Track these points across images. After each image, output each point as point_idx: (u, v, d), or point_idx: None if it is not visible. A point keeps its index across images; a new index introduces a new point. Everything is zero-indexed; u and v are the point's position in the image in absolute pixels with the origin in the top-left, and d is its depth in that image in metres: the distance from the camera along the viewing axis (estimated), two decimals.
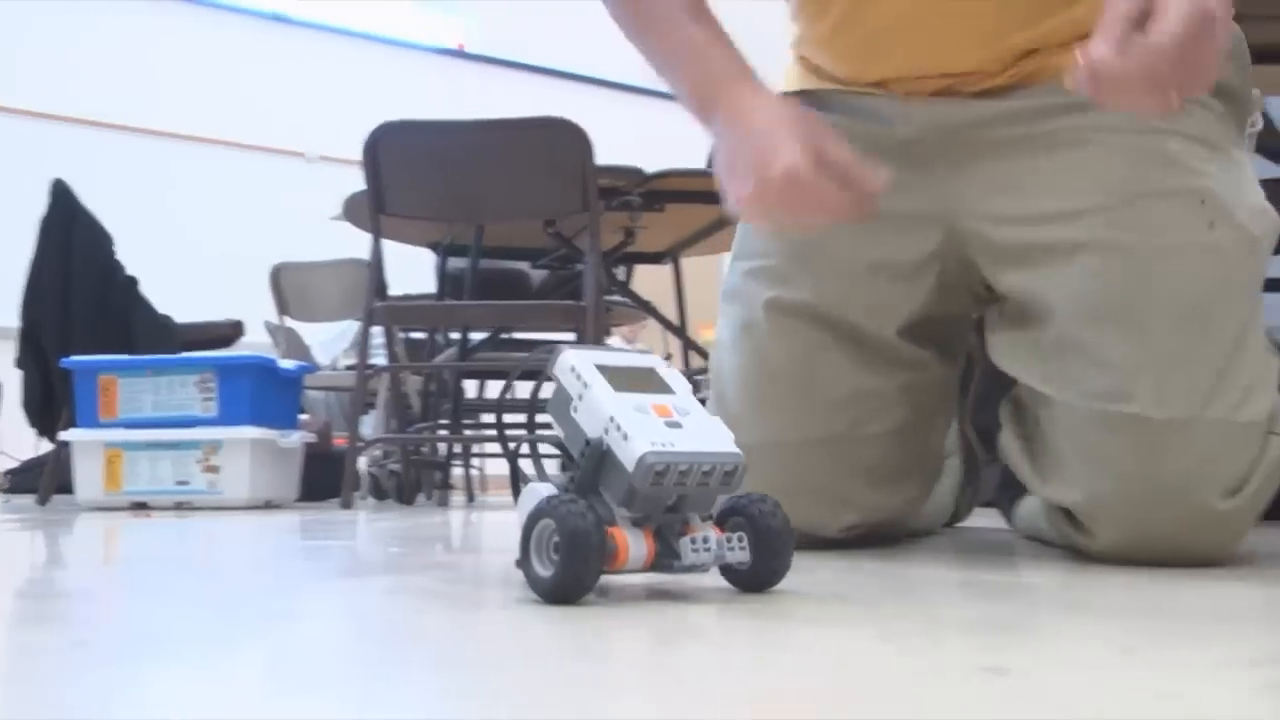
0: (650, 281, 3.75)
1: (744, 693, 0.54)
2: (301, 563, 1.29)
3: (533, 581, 0.84)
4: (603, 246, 2.96)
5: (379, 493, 3.58)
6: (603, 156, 2.78)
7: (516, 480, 0.95)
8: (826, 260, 1.28)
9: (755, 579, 0.91)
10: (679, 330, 3.47)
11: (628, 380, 0.90)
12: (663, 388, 0.92)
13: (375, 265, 2.89)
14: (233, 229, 6.55)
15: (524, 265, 3.81)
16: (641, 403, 0.88)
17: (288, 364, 3.07)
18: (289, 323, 4.51)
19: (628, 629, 0.75)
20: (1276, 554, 1.28)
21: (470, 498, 3.81)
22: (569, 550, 0.81)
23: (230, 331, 3.69)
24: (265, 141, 6.93)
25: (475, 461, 4.39)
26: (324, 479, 3.15)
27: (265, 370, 2.93)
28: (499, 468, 4.84)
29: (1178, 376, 1.10)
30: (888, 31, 1.26)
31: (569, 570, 0.82)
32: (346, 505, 2.78)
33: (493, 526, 2.09)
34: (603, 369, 0.90)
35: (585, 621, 0.77)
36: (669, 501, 0.86)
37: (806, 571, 1.06)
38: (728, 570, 0.91)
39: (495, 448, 4.59)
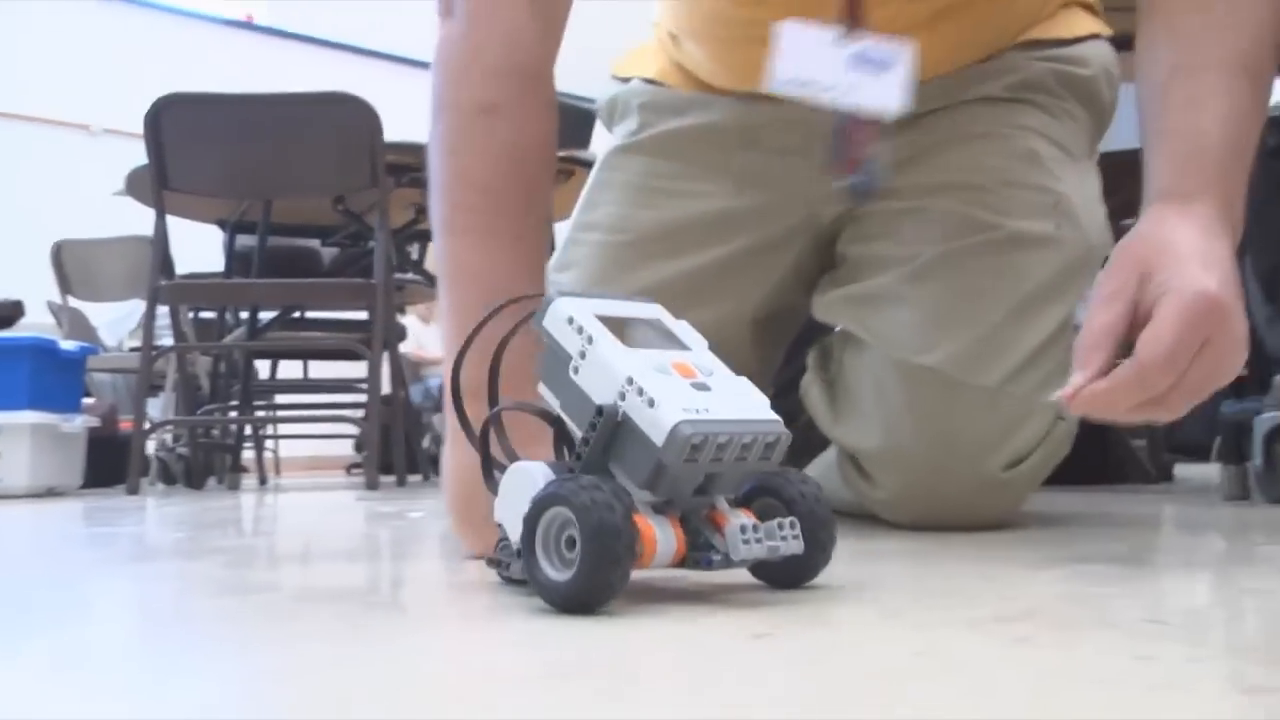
0: None
1: None
2: (85, 551, 1.26)
3: (541, 586, 0.69)
4: (393, 224, 2.94)
5: (168, 477, 3.49)
6: (393, 132, 2.75)
7: (489, 461, 0.80)
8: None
9: (790, 573, 0.77)
10: None
11: (635, 333, 0.75)
12: (675, 342, 0.77)
13: (159, 242, 2.82)
14: (14, 205, 6.28)
15: (314, 243, 3.76)
16: (660, 360, 0.73)
17: (69, 345, 2.97)
18: (74, 303, 4.35)
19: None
20: (1048, 516, 1.34)
21: (263, 480, 3.74)
22: (595, 548, 0.66)
23: (9, 312, 3.54)
24: (48, 113, 6.66)
25: (268, 443, 4.31)
26: (110, 464, 3.06)
27: (44, 352, 2.83)
28: (293, 449, 4.76)
29: (993, 349, 1.15)
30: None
31: (596, 572, 0.66)
32: (133, 491, 2.71)
33: (288, 509, 2.06)
34: (605, 320, 0.74)
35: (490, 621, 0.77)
36: (698, 481, 0.71)
37: None
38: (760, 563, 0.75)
39: (289, 428, 4.52)
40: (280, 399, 4.49)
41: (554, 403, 0.75)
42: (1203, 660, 0.55)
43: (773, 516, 0.74)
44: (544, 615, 0.69)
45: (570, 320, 0.74)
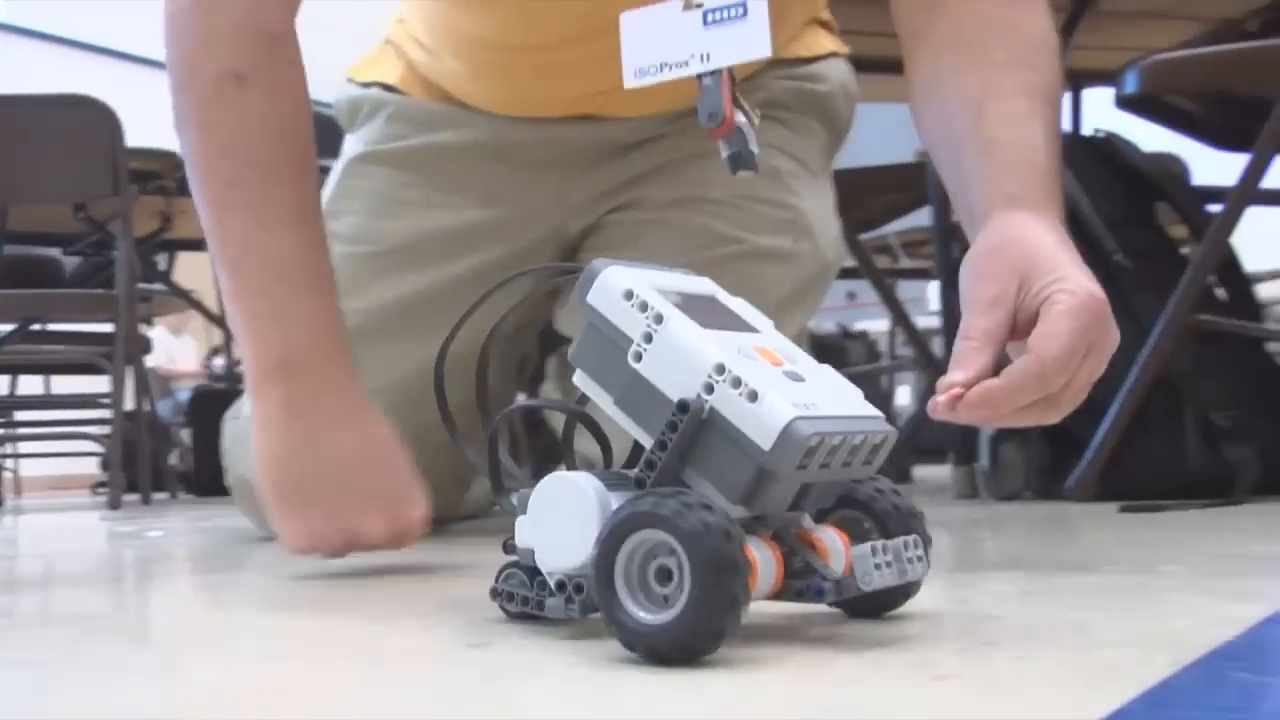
0: (196, 270, 3.62)
1: None
2: None
3: (625, 630, 0.56)
4: (137, 232, 2.85)
5: None
6: (137, 137, 2.67)
7: (497, 469, 0.69)
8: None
9: (876, 600, 0.66)
10: (221, 321, 3.38)
11: (700, 312, 0.63)
12: (739, 322, 0.66)
13: None
14: None
15: (55, 252, 3.60)
16: (741, 344, 0.62)
17: None
18: None
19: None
20: None
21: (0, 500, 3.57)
22: (711, 584, 0.54)
23: None
24: None
25: (7, 463, 4.11)
26: None
27: None
28: (36, 468, 4.55)
29: None
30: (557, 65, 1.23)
31: (709, 614, 0.54)
32: None
33: (23, 531, 1.98)
34: (666, 295, 0.62)
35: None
36: (795, 491, 0.61)
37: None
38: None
39: (30, 447, 4.32)
40: (21, 416, 4.29)
41: (600, 397, 0.63)
42: (896, 648, 0.58)
43: (857, 533, 0.64)
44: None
45: (630, 295, 0.61)
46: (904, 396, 3.85)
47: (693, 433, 0.59)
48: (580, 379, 0.64)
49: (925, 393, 1.78)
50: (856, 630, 0.64)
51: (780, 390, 0.58)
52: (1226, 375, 1.56)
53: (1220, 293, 1.72)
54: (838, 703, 0.48)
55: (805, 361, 0.64)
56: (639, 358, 0.61)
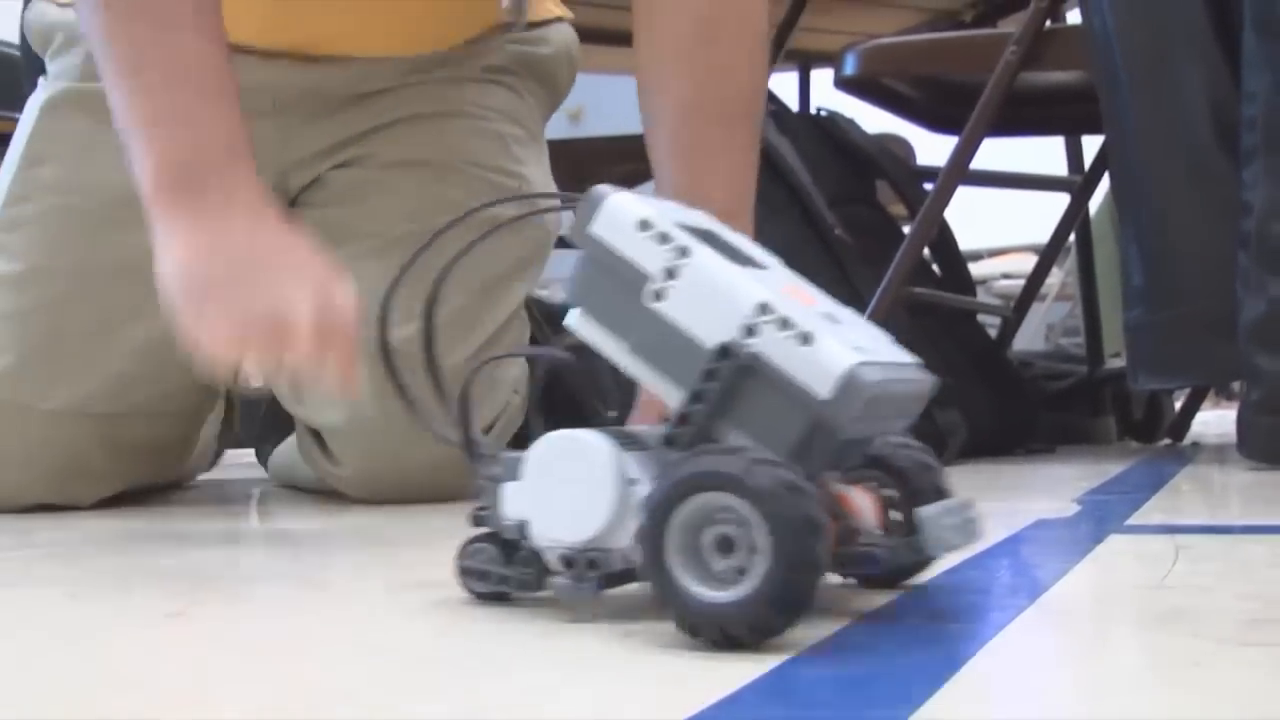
0: None
1: None
2: None
3: (686, 611, 0.49)
4: None
5: None
6: None
7: (469, 430, 0.63)
8: None
9: (903, 568, 0.60)
10: None
11: (713, 246, 0.56)
12: (750, 259, 0.58)
13: None
14: None
15: None
16: (770, 282, 0.56)
17: None
18: None
19: None
20: None
21: None
22: (793, 551, 0.47)
23: None
24: None
25: None
26: None
27: None
28: None
29: (461, 327, 1.17)
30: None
31: (792, 586, 0.48)
32: None
33: None
34: (684, 229, 0.55)
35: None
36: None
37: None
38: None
39: None
40: None
41: (607, 343, 0.56)
42: (607, 613, 0.60)
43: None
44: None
45: (645, 226, 0.55)
46: None
47: (732, 382, 0.52)
48: (580, 323, 0.57)
49: None
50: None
51: (831, 332, 0.52)
52: (939, 345, 1.64)
53: (936, 268, 1.81)
54: None
55: (829, 302, 0.57)
56: (659, 297, 0.54)
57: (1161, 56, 1.42)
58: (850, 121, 1.88)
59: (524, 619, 0.56)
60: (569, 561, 0.55)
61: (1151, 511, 0.99)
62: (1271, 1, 1.34)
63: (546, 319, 2.23)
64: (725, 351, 0.52)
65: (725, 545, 0.49)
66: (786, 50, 2.20)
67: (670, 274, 0.54)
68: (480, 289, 1.20)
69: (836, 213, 1.69)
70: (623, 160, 2.13)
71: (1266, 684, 0.43)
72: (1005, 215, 2.60)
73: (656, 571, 0.50)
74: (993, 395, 1.68)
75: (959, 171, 1.59)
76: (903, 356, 0.56)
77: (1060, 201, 2.02)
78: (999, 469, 1.46)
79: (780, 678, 0.45)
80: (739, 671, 0.45)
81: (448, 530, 0.66)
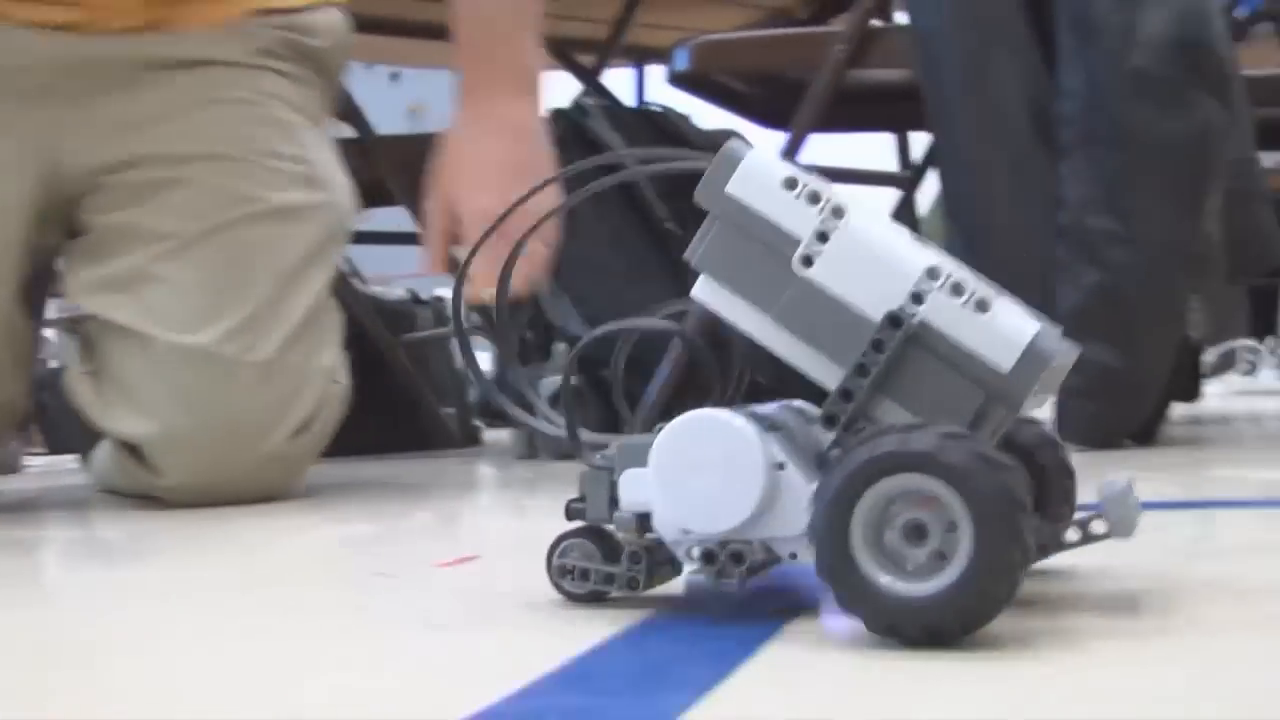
0: None
1: None
2: None
3: (884, 610, 0.45)
4: None
5: None
6: None
7: (573, 414, 0.59)
8: None
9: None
10: None
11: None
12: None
13: None
14: None
15: None
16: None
17: None
18: None
19: None
20: (328, 486, 1.37)
21: None
22: (1002, 535, 0.43)
23: None
24: None
25: None
26: None
27: None
28: None
29: (263, 323, 1.15)
30: None
31: (1001, 575, 0.44)
32: None
33: None
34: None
35: None
36: None
37: None
38: None
39: None
40: None
41: (744, 314, 0.51)
42: (413, 603, 0.59)
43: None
44: None
45: (793, 184, 0.50)
46: (483, 362, 3.90)
47: (899, 354, 0.48)
48: (708, 292, 0.52)
49: (497, 359, 1.81)
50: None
51: (1010, 301, 0.49)
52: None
53: None
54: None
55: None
56: (809, 262, 0.50)
57: (982, 55, 1.46)
58: (683, 117, 1.89)
59: (297, 618, 0.56)
60: (709, 555, 0.51)
61: None
62: (1084, 1, 1.39)
63: (386, 316, 2.22)
64: (894, 320, 0.48)
65: (916, 532, 0.45)
66: (622, 46, 2.21)
67: (822, 237, 0.50)
68: (279, 284, 1.17)
69: (667, 204, 1.70)
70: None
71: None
72: None
73: (842, 568, 0.45)
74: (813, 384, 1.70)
75: None
76: (1050, 325, 0.51)
77: (893, 198, 2.06)
78: None
79: (580, 666, 0.45)
80: (540, 660, 0.45)
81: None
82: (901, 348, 0.48)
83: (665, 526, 0.51)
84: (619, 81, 2.27)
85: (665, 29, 2.18)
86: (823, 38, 1.59)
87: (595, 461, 0.54)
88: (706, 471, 0.50)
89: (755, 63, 1.72)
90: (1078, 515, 0.52)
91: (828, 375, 0.50)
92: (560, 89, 2.23)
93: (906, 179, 2.03)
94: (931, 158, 1.82)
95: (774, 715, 0.39)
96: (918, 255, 0.49)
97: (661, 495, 0.51)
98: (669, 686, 0.42)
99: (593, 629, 0.50)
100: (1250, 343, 3.37)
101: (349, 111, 1.95)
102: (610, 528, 0.54)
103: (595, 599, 0.55)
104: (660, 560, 0.54)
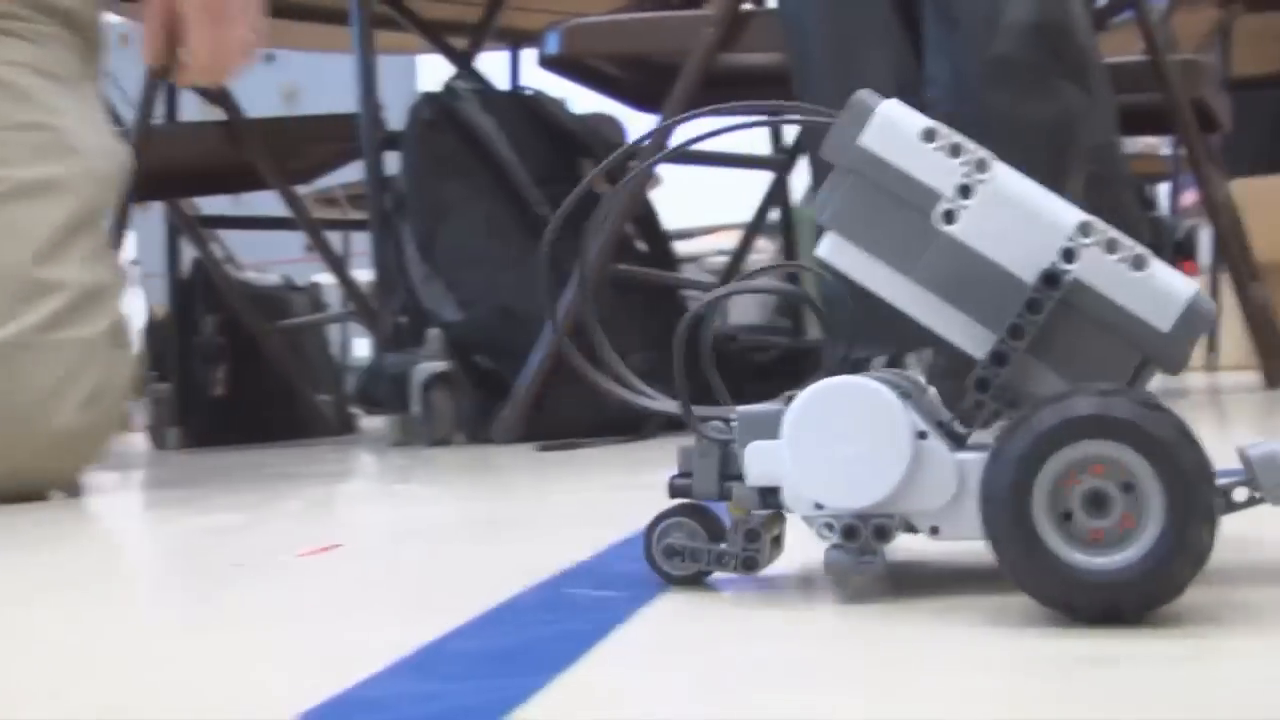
0: None
1: None
2: None
3: (1068, 584, 0.42)
4: None
5: None
6: None
7: (685, 385, 0.52)
8: None
9: None
10: None
11: None
12: None
13: None
14: None
15: None
16: None
17: None
18: None
19: None
20: (198, 475, 1.35)
21: None
22: (1196, 507, 0.41)
23: None
24: None
25: None
26: None
27: None
28: None
29: (14, 305, 1.11)
30: None
31: (1188, 555, 0.41)
32: None
33: None
34: None
35: None
36: None
37: None
38: None
39: None
40: None
41: (878, 274, 0.48)
42: (267, 593, 0.58)
43: None
44: None
45: (930, 136, 0.47)
46: (362, 349, 3.86)
47: (1051, 314, 0.45)
48: (837, 251, 0.49)
49: (375, 345, 1.79)
50: None
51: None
52: (643, 321, 1.67)
53: (641, 245, 1.83)
54: None
55: None
56: (950, 219, 0.47)
57: (849, 40, 1.47)
58: (557, 101, 1.89)
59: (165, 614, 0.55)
60: (851, 531, 0.48)
61: None
62: None
63: (260, 303, 2.19)
64: (1051, 278, 0.45)
65: (1097, 502, 0.42)
66: (496, 29, 2.20)
67: (965, 191, 0.47)
68: (37, 259, 1.12)
69: (542, 191, 1.70)
70: (336, 139, 2.09)
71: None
72: (722, 193, 2.65)
73: (1021, 538, 0.42)
74: (695, 369, 1.71)
75: (659, 149, 1.61)
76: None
77: (766, 182, 2.08)
78: None
79: (429, 653, 0.45)
80: (392, 648, 0.44)
81: None
82: (1056, 308, 0.46)
83: (797, 501, 0.48)
84: (494, 65, 2.26)
85: (539, 12, 2.18)
86: (693, 21, 1.60)
87: (708, 433, 0.51)
88: (848, 441, 0.47)
89: (626, 46, 1.72)
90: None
91: (971, 339, 0.48)
92: (434, 72, 2.21)
93: (779, 163, 2.05)
94: (803, 142, 1.84)
95: (626, 695, 0.40)
96: (1067, 211, 0.47)
97: (796, 467, 0.48)
98: (519, 670, 0.42)
99: (448, 614, 0.49)
100: None
101: (219, 94, 1.93)
102: (709, 505, 0.51)
103: (696, 581, 0.52)
104: (774, 538, 0.52)
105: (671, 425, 1.58)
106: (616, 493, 1.00)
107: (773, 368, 1.86)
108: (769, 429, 0.49)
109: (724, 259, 2.87)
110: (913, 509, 0.47)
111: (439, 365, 1.62)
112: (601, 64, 1.85)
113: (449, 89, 1.81)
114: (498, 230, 1.66)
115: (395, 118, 1.86)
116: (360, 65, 1.84)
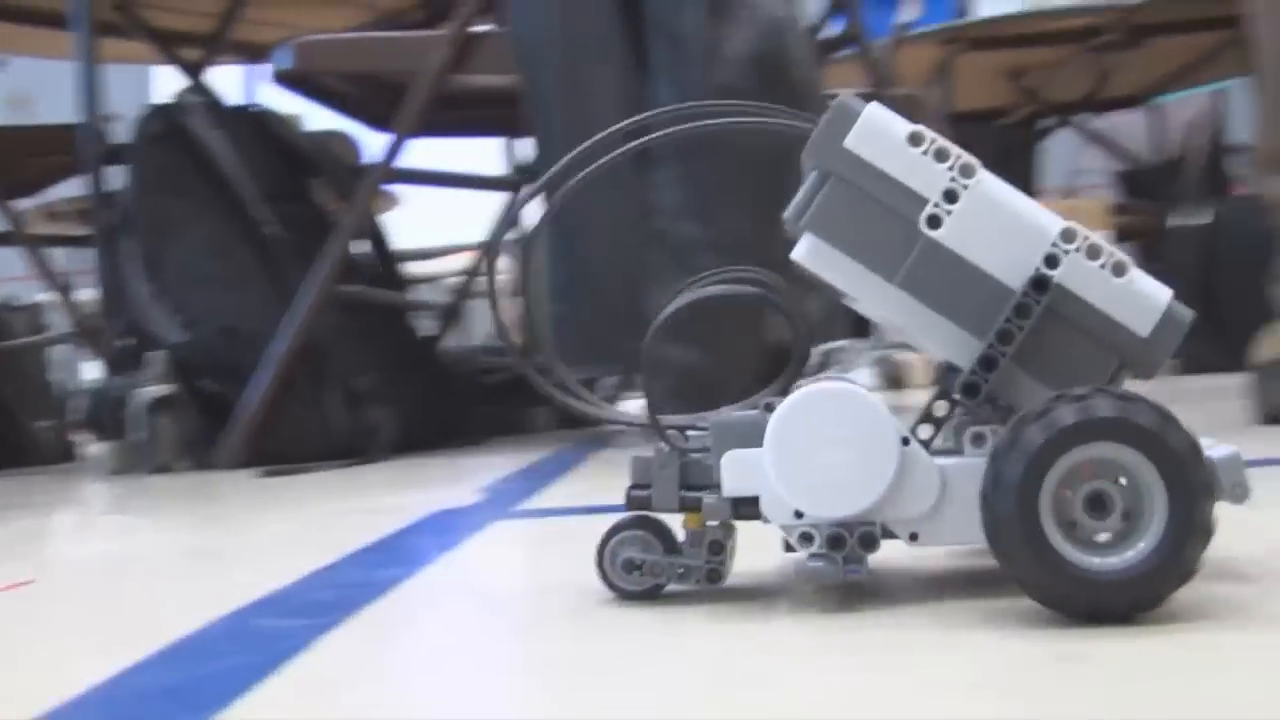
0: None
1: None
2: None
3: (1072, 584, 0.42)
4: None
5: None
6: None
7: (654, 396, 0.51)
8: None
9: None
10: None
11: None
12: None
13: None
14: None
15: None
16: None
17: None
18: None
19: None
20: None
21: None
22: (1193, 523, 0.42)
23: None
24: None
25: None
26: None
27: None
28: None
29: None
30: None
31: (1183, 562, 0.42)
32: None
33: None
34: None
35: None
36: None
37: None
38: None
39: None
40: None
41: (858, 278, 0.48)
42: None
43: None
44: None
45: (919, 140, 0.47)
46: (93, 372, 3.70)
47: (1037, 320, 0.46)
48: (814, 254, 0.48)
49: (109, 366, 1.71)
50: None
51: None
52: (368, 342, 1.65)
53: (371, 266, 1.81)
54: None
55: None
56: (934, 223, 0.47)
57: (579, 65, 1.49)
58: (287, 117, 1.85)
59: None
60: (837, 540, 0.47)
61: (550, 495, 1.03)
62: (675, 15, 1.44)
63: None
64: (1040, 283, 0.46)
65: (1097, 504, 0.43)
66: (230, 42, 2.15)
67: (950, 197, 0.47)
68: None
69: (271, 209, 1.66)
70: (59, 151, 2.00)
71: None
72: (464, 214, 2.65)
73: (1029, 538, 0.42)
74: (424, 391, 1.70)
75: (387, 168, 1.61)
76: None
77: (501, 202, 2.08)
78: (429, 462, 1.48)
79: (115, 686, 0.44)
80: (78, 679, 0.43)
81: None
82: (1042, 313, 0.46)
83: (776, 510, 0.47)
84: (229, 79, 2.21)
85: (275, 26, 2.14)
86: (424, 41, 1.59)
87: (681, 444, 0.50)
88: (836, 449, 0.47)
89: (359, 64, 1.70)
90: None
91: (953, 344, 0.48)
92: (169, 84, 2.14)
93: (515, 183, 2.05)
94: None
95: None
96: (1049, 218, 0.47)
97: (779, 476, 0.47)
98: (192, 706, 0.41)
99: (132, 648, 0.48)
100: (847, 343, 3.58)
101: None
102: (660, 518, 0.51)
103: (651, 596, 0.51)
104: (731, 550, 0.51)
105: (401, 448, 1.57)
106: (333, 519, 0.98)
107: (502, 390, 1.86)
108: (746, 438, 0.48)
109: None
110: (894, 516, 0.47)
111: (161, 389, 1.57)
112: (335, 81, 1.82)
113: (177, 102, 1.75)
114: (224, 249, 1.62)
115: (128, 130, 1.79)
116: (83, 73, 1.77)
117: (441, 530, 0.86)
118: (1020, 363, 0.47)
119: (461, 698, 0.42)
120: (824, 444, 0.47)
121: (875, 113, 0.48)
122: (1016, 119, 3.16)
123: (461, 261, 2.58)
